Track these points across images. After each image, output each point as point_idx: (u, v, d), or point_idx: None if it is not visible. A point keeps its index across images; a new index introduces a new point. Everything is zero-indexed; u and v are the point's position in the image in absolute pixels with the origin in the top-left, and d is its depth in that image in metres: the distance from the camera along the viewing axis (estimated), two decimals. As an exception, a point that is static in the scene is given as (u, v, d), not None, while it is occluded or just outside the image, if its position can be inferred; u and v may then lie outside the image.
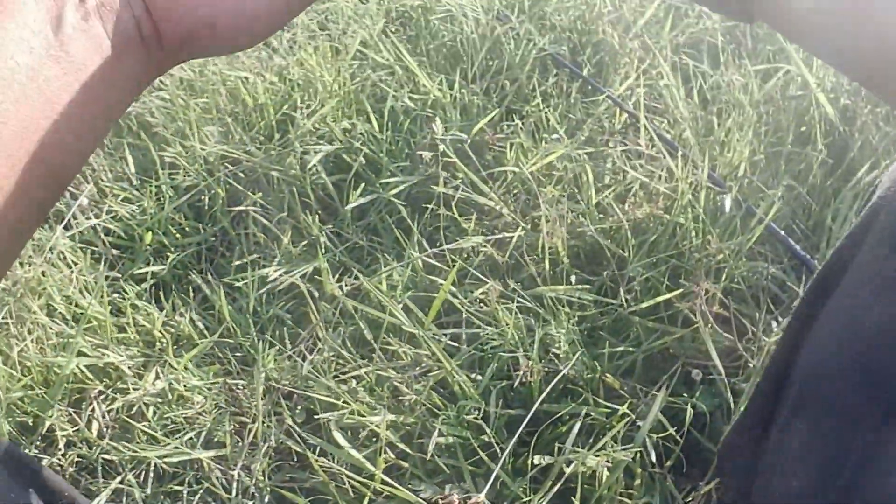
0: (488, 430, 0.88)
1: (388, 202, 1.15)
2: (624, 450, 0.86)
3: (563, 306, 0.98)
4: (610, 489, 0.86)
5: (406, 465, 0.91)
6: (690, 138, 1.12)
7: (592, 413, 0.90)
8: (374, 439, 0.93)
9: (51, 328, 1.07)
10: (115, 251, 1.20)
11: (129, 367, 1.05)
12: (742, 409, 0.70)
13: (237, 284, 1.11)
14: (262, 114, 1.28)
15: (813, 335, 0.55)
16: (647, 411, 0.90)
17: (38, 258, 1.14)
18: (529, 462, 0.88)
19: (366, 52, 1.32)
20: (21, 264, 1.14)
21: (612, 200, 1.07)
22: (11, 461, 0.50)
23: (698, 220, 1.02)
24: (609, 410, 0.91)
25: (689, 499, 0.90)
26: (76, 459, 1.01)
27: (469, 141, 1.15)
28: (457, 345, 0.99)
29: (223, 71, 1.32)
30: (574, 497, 0.86)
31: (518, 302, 0.99)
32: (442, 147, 1.12)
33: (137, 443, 0.99)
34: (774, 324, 0.99)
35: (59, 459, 1.01)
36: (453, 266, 1.01)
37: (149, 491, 0.98)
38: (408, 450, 0.91)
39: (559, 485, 0.86)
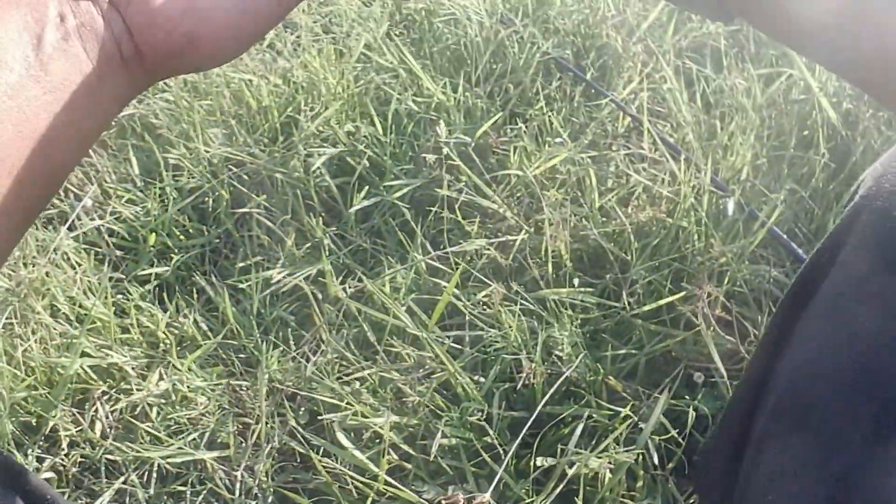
0: (491, 432, 0.89)
1: (392, 205, 1.15)
2: (626, 452, 0.86)
3: (566, 309, 0.99)
4: (612, 491, 0.87)
5: (409, 466, 0.91)
6: (693, 142, 1.13)
7: (595, 415, 0.91)
8: (378, 440, 0.93)
9: (54, 329, 1.08)
10: (118, 252, 1.20)
11: (132, 368, 1.05)
12: (721, 416, 0.70)
13: (241, 286, 1.12)
14: (265, 116, 1.28)
15: (797, 340, 0.54)
16: (649, 413, 0.90)
17: (42, 259, 1.14)
18: (532, 463, 0.88)
19: (370, 55, 1.32)
20: (25, 265, 1.15)
21: (615, 204, 1.08)
22: None
23: (701, 223, 1.02)
24: (611, 413, 0.91)
25: (691, 501, 0.90)
26: (79, 460, 1.02)
27: (473, 144, 1.16)
28: (460, 347, 0.99)
29: (227, 73, 1.32)
30: (576, 499, 0.86)
31: (521, 305, 0.99)
32: (446, 150, 1.13)
33: (141, 443, 1.00)
34: (777, 327, 0.99)
35: (63, 460, 1.01)
36: (457, 269, 1.01)
37: (152, 491, 0.98)
38: (411, 451, 0.91)
39: (561, 486, 0.86)
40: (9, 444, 1.01)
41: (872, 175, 0.52)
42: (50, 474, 1.01)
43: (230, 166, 1.24)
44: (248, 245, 1.17)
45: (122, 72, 0.36)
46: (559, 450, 0.89)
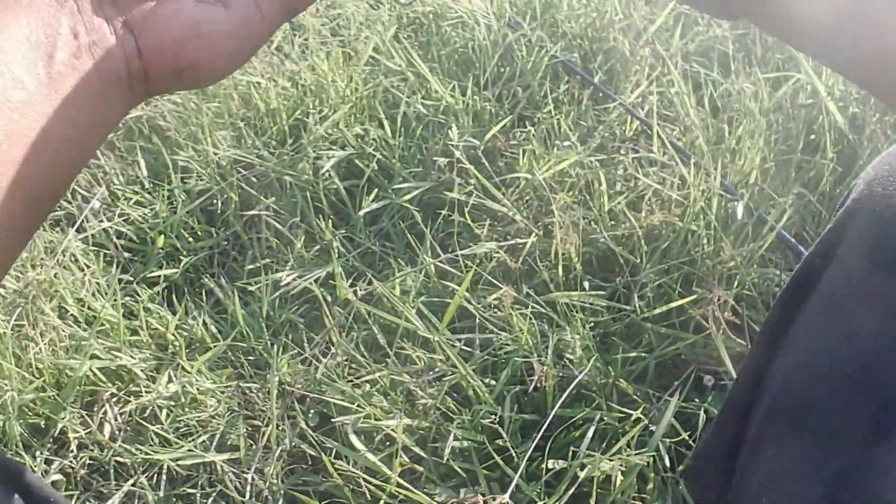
0: (504, 434, 0.89)
1: (401, 208, 1.16)
2: (637, 454, 0.86)
3: (577, 312, 0.99)
4: (623, 493, 0.87)
5: (421, 469, 0.91)
6: (702, 146, 1.13)
7: (606, 418, 0.91)
8: (389, 443, 0.93)
9: (63, 330, 1.07)
10: (127, 254, 1.20)
11: (141, 370, 1.05)
12: (714, 421, 0.70)
13: (250, 288, 1.12)
14: (274, 119, 1.28)
15: (792, 341, 0.54)
16: (659, 416, 0.91)
17: (51, 260, 1.14)
18: (544, 466, 0.88)
19: (378, 58, 1.32)
20: (33, 266, 1.14)
21: (625, 207, 1.08)
22: None
23: (710, 227, 1.02)
24: (622, 415, 0.91)
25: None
26: (88, 462, 1.01)
27: (481, 147, 1.16)
28: (470, 350, 0.99)
29: (235, 76, 1.32)
30: (586, 502, 0.86)
31: (532, 308, 0.99)
32: (456, 153, 1.13)
33: (150, 445, 0.99)
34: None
35: (71, 462, 1.01)
36: (467, 272, 1.01)
37: (161, 494, 0.98)
38: (422, 454, 0.91)
39: (573, 489, 0.86)
40: (17, 446, 1.00)
41: (864, 179, 0.52)
42: (58, 477, 1.01)
43: (239, 168, 1.24)
44: (257, 247, 1.18)
45: (127, 89, 0.37)
46: (571, 452, 0.89)
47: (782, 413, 0.53)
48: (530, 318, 0.98)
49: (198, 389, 1.02)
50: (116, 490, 0.97)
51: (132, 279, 1.16)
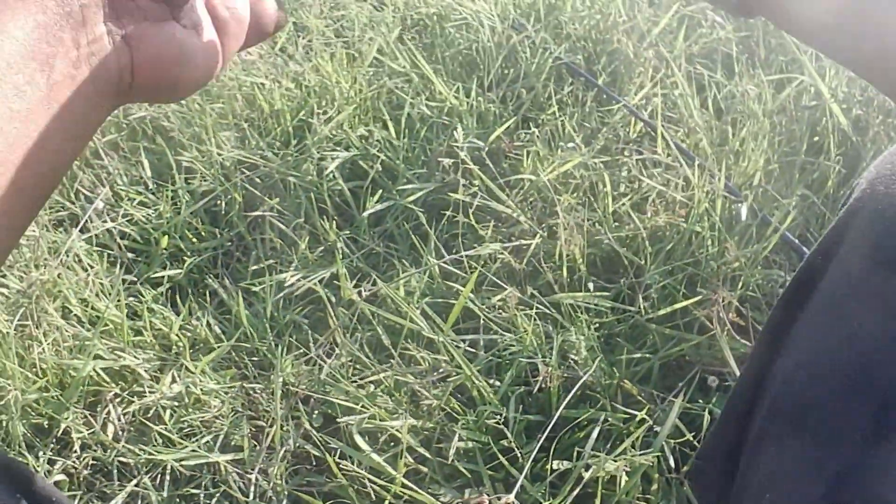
0: (510, 435, 0.89)
1: (405, 209, 1.16)
2: (642, 455, 0.86)
3: (581, 313, 0.99)
4: (628, 494, 0.87)
5: (425, 469, 0.91)
6: (706, 148, 1.13)
7: (610, 419, 0.91)
8: (393, 444, 0.93)
9: (67, 331, 1.07)
10: (130, 255, 1.20)
11: (145, 371, 1.05)
12: (716, 422, 0.70)
13: (254, 289, 1.12)
14: (278, 120, 1.28)
15: (794, 341, 0.54)
16: (664, 417, 0.91)
17: (54, 261, 1.14)
18: (549, 467, 0.88)
19: (382, 60, 1.32)
20: (36, 266, 1.14)
21: (629, 209, 1.08)
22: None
23: (714, 228, 1.02)
24: (627, 416, 0.91)
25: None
26: (91, 462, 1.01)
27: (486, 148, 1.16)
28: (475, 351, 0.99)
29: (239, 77, 1.32)
30: (591, 503, 0.86)
31: (536, 309, 0.99)
32: (461, 155, 1.13)
33: (153, 446, 0.99)
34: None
35: (74, 462, 1.01)
36: (471, 273, 1.01)
37: (165, 494, 0.98)
38: (427, 454, 0.91)
39: (578, 490, 0.86)
40: (20, 447, 1.00)
41: (867, 178, 0.52)
42: (61, 477, 1.01)
43: (243, 169, 1.24)
44: (261, 248, 1.18)
45: (114, 97, 0.39)
46: (575, 453, 0.89)
47: (783, 413, 0.53)
48: (535, 319, 0.98)
49: (201, 390, 1.01)
50: (120, 490, 0.97)
51: (136, 280, 1.16)
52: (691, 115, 1.18)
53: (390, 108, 1.26)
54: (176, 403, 1.03)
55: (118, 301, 1.09)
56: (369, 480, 0.88)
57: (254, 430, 1.01)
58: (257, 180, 1.22)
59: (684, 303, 0.98)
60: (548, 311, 1.00)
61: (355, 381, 0.99)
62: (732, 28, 1.31)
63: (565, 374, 0.94)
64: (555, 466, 0.88)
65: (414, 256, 1.12)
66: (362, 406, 0.94)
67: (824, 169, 1.12)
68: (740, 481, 0.57)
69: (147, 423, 1.01)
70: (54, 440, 1.02)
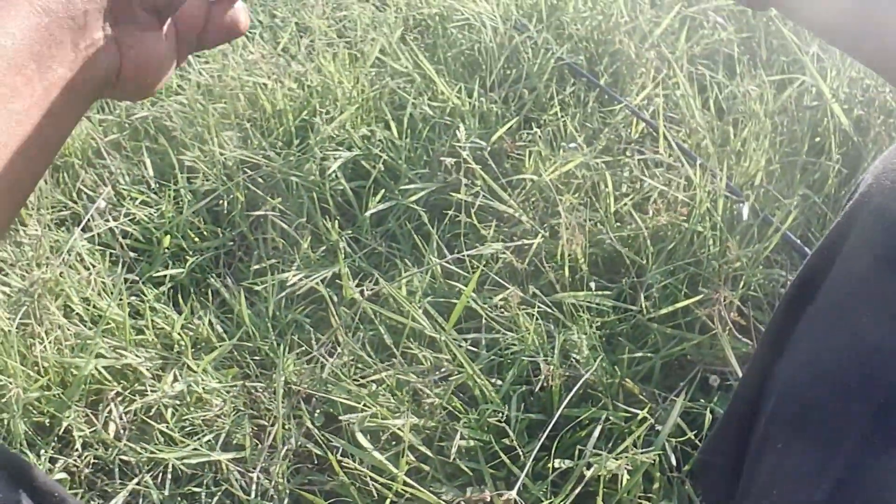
0: (511, 434, 0.89)
1: (407, 209, 1.16)
2: (643, 453, 0.86)
3: (583, 312, 0.99)
4: (629, 493, 0.87)
5: (427, 468, 0.91)
6: (708, 148, 1.13)
7: (612, 417, 0.91)
8: (395, 442, 0.93)
9: (69, 329, 1.07)
10: (132, 254, 1.21)
11: (147, 369, 1.05)
12: (719, 422, 0.69)
13: (256, 288, 1.12)
14: (280, 119, 1.29)
15: (797, 341, 0.54)
16: (665, 416, 0.91)
17: (56, 260, 1.14)
18: (550, 465, 0.88)
19: (384, 60, 1.33)
20: (39, 265, 1.15)
21: (631, 208, 1.08)
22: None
23: (716, 228, 1.02)
24: (628, 415, 0.91)
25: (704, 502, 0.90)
26: (92, 461, 1.01)
27: (488, 149, 1.16)
28: (476, 350, 0.99)
29: (241, 76, 1.33)
30: (592, 501, 0.86)
31: (538, 308, 0.99)
32: (463, 154, 1.13)
33: (155, 444, 0.99)
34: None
35: (76, 461, 1.01)
36: (473, 272, 1.01)
37: (166, 492, 0.98)
38: (429, 453, 0.91)
39: (580, 488, 0.86)
40: (21, 445, 1.00)
41: (872, 172, 0.51)
42: (63, 475, 1.01)
43: (245, 169, 1.24)
44: (263, 248, 1.18)
45: (98, 94, 0.42)
46: (577, 452, 0.89)
47: (785, 414, 0.53)
48: (536, 319, 0.98)
49: (203, 389, 1.02)
50: (121, 489, 0.97)
51: (138, 279, 1.16)
52: (693, 116, 1.18)
53: (392, 108, 1.26)
54: (178, 402, 1.03)
55: (120, 300, 1.10)
56: (371, 479, 0.88)
57: (255, 428, 1.01)
58: (259, 180, 1.22)
59: (686, 302, 0.98)
60: (550, 311, 1.00)
61: (357, 380, 0.99)
62: (734, 29, 1.31)
63: (567, 373, 0.94)
64: (556, 465, 0.88)
65: (416, 256, 1.12)
66: (364, 405, 0.94)
67: (825, 169, 1.12)
68: (744, 482, 0.57)
69: (149, 421, 1.01)
70: (56, 438, 1.02)
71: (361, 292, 1.07)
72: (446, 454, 0.90)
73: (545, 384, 0.93)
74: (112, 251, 1.20)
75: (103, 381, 1.04)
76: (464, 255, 1.06)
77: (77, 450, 1.02)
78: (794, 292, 0.56)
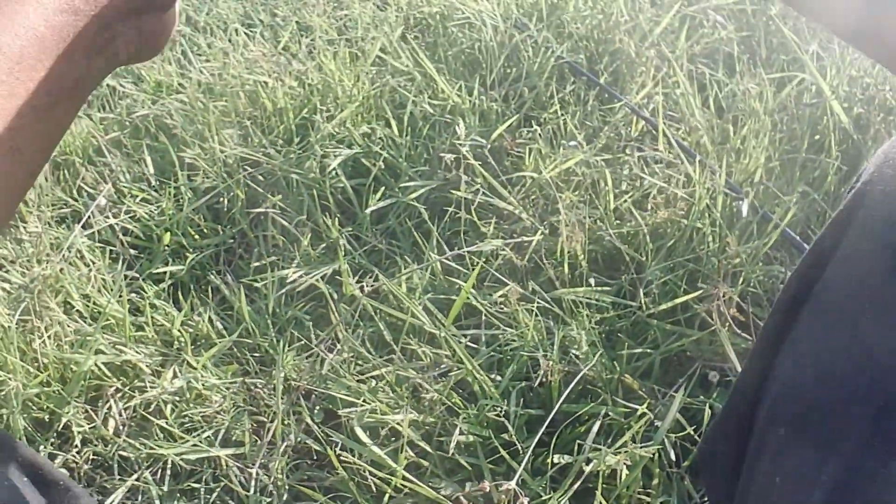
0: (511, 429, 0.89)
1: (407, 206, 1.16)
2: (643, 448, 0.86)
3: (583, 308, 0.99)
4: (629, 488, 0.87)
5: (426, 463, 0.91)
6: (707, 145, 1.13)
7: (611, 413, 0.91)
8: (394, 438, 0.93)
9: (68, 325, 1.08)
10: (133, 251, 1.21)
11: (146, 366, 1.05)
12: (717, 416, 0.69)
13: (256, 285, 1.12)
14: (281, 117, 1.29)
15: (795, 339, 0.53)
16: (665, 412, 0.91)
17: (56, 256, 1.14)
18: (549, 461, 0.88)
19: (385, 58, 1.33)
20: (39, 262, 1.15)
21: (630, 206, 1.08)
22: (6, 451, 0.50)
23: (715, 225, 1.03)
24: (628, 410, 0.91)
25: (706, 499, 0.90)
26: (92, 457, 1.01)
27: (488, 146, 1.16)
28: (476, 346, 0.99)
29: (242, 75, 1.33)
30: (591, 496, 0.86)
31: (538, 304, 0.99)
32: (462, 151, 1.13)
33: (154, 440, 0.99)
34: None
35: (75, 457, 1.01)
36: (473, 269, 1.01)
37: (165, 488, 0.98)
38: (428, 448, 0.91)
39: (579, 483, 0.86)
40: (21, 440, 1.00)
41: (875, 163, 0.50)
42: (62, 471, 1.01)
43: (245, 166, 1.24)
44: (263, 245, 1.18)
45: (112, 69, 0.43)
46: (576, 447, 0.89)
47: (784, 415, 0.52)
48: (536, 315, 0.98)
49: (203, 385, 1.02)
50: (120, 485, 0.97)
51: (138, 276, 1.17)
52: (693, 114, 1.18)
53: (393, 106, 1.27)
54: (177, 398, 1.03)
55: (120, 296, 1.10)
56: (370, 474, 0.88)
57: (255, 424, 1.01)
58: (260, 177, 1.23)
59: (685, 298, 0.98)
60: (549, 307, 1.00)
61: (357, 376, 0.99)
62: (734, 28, 1.31)
63: (566, 369, 0.94)
64: (555, 460, 0.88)
65: (416, 253, 1.13)
66: (363, 400, 0.94)
67: (825, 166, 1.12)
68: (744, 482, 0.56)
69: (148, 417, 1.01)
70: (55, 434, 1.02)
71: (361, 289, 1.07)
72: (445, 449, 0.90)
73: (544, 380, 0.93)
74: (112, 248, 1.20)
75: (103, 377, 1.04)
76: (464, 252, 1.06)
77: (76, 446, 1.02)
78: (795, 287, 0.56)
